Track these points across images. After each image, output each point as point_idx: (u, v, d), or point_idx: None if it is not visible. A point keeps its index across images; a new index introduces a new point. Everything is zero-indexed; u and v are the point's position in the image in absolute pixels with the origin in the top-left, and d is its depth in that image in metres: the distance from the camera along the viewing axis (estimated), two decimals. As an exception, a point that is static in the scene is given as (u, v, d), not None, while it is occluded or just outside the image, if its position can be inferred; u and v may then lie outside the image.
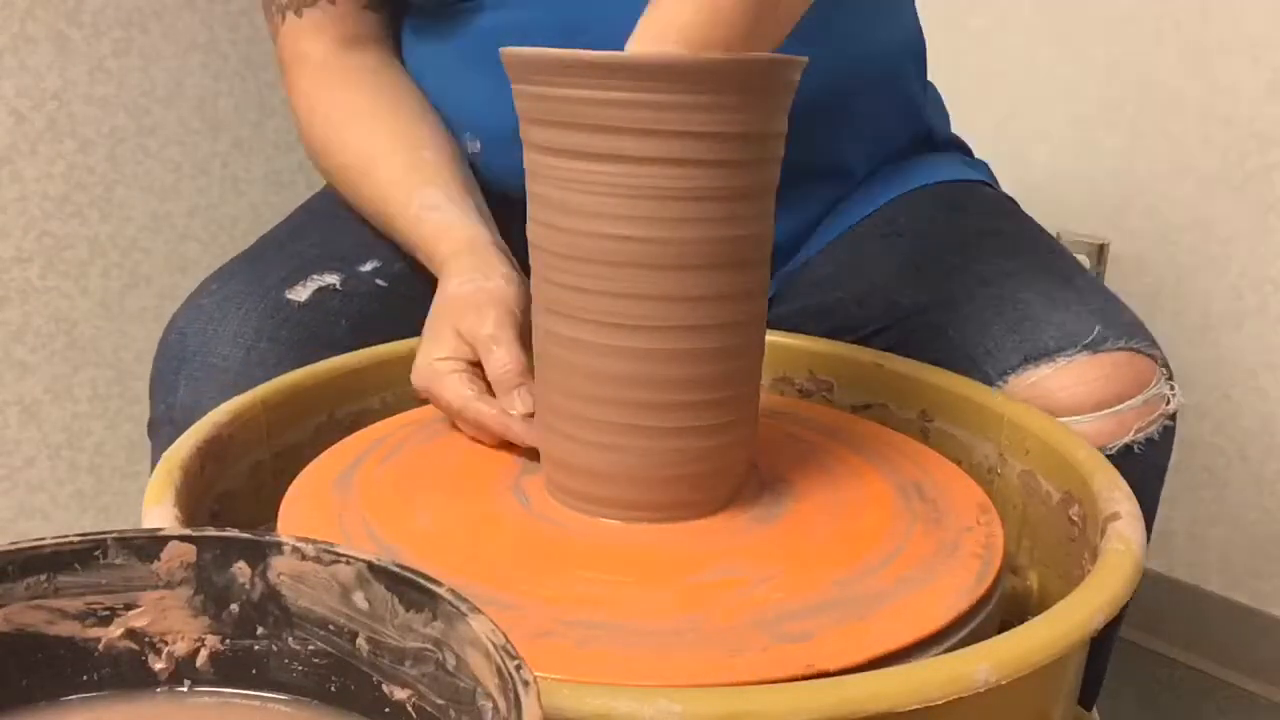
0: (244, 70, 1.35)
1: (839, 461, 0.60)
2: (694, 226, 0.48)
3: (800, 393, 0.74)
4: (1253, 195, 1.24)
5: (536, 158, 0.50)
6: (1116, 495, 0.52)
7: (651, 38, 0.50)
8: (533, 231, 0.52)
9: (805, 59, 0.49)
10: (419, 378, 0.62)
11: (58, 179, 1.24)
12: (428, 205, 0.71)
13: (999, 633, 0.43)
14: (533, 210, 0.52)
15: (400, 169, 0.74)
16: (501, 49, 0.50)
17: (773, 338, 0.73)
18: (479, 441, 0.61)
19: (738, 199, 0.49)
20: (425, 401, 0.71)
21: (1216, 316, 1.29)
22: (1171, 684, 1.32)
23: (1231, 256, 1.26)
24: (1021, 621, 0.42)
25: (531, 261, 0.52)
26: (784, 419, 0.66)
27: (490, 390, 0.60)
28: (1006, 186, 0.90)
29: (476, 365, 0.61)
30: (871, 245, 0.78)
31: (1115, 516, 0.50)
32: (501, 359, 0.59)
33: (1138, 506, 0.51)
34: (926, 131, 0.89)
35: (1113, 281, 1.33)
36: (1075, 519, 0.56)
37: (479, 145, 0.79)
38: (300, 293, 0.71)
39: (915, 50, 0.89)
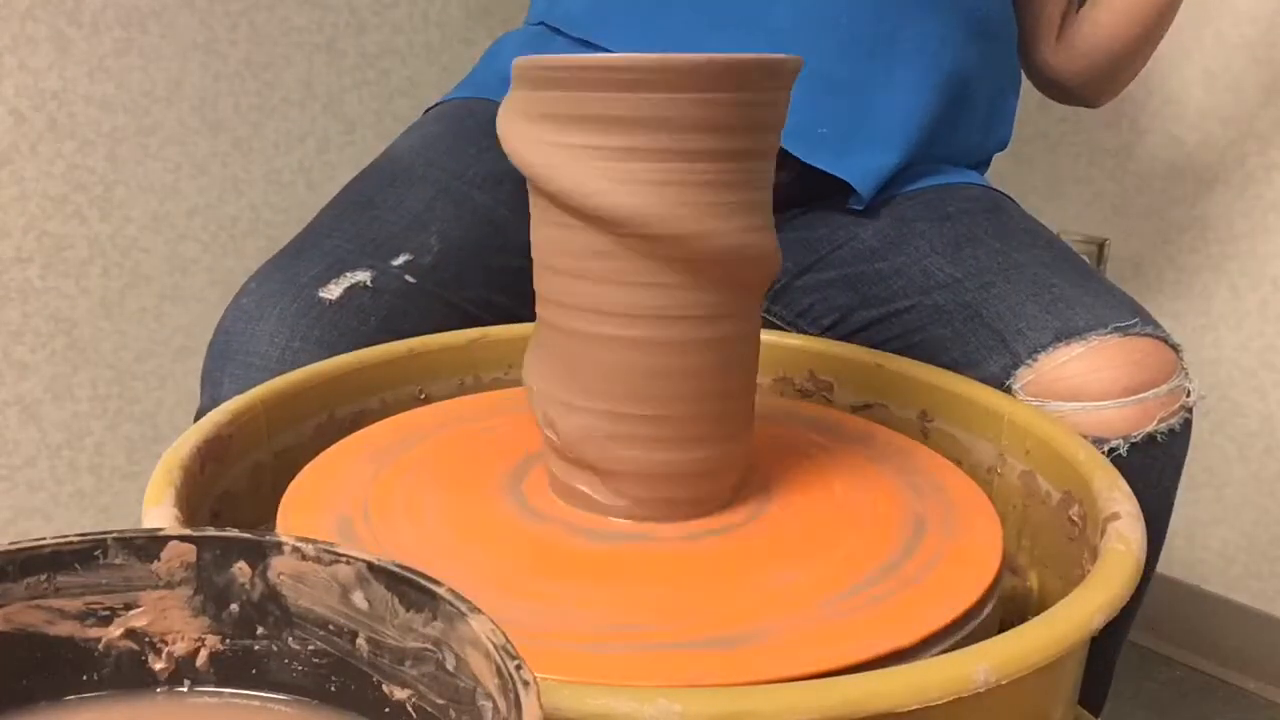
0: (244, 70, 1.35)
1: (839, 461, 0.60)
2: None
3: (800, 393, 0.74)
4: (1253, 195, 1.24)
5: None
6: (1116, 495, 0.52)
7: None
8: (536, 230, 0.53)
9: (782, 57, 0.49)
10: None
11: (58, 179, 1.24)
12: None
13: (999, 633, 0.43)
14: (535, 207, 0.52)
15: None
16: (515, 61, 0.50)
17: (773, 338, 0.73)
18: None
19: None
20: (425, 401, 0.71)
21: (1216, 316, 1.28)
22: (1171, 684, 1.32)
23: (1231, 256, 1.26)
24: (1021, 621, 0.42)
25: (534, 252, 0.53)
26: (784, 419, 0.66)
27: None
28: (1006, 186, 0.91)
29: None
30: (919, 225, 0.81)
31: (1115, 516, 0.50)
32: None
33: (1138, 506, 0.51)
34: (991, 148, 0.94)
35: (1112, 281, 1.33)
36: (1075, 519, 0.56)
37: None
38: (332, 290, 0.73)
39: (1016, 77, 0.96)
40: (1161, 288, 1.32)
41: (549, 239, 0.51)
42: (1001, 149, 0.94)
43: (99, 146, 1.26)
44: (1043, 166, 1.39)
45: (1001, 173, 0.97)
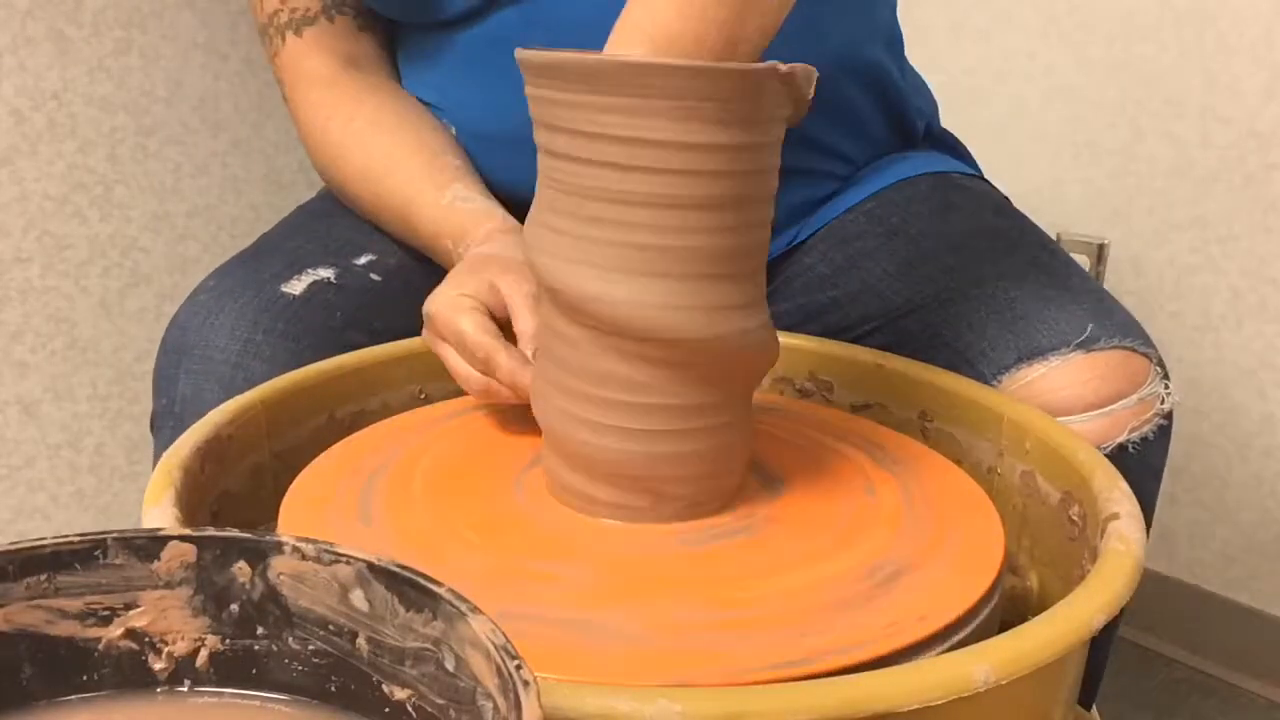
0: (244, 70, 1.35)
1: (838, 462, 0.60)
2: (682, 235, 0.48)
3: (800, 393, 0.74)
4: (1253, 195, 1.24)
5: (541, 160, 0.51)
6: (1116, 495, 0.52)
7: (626, 38, 0.49)
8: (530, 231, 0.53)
9: (791, 67, 0.48)
10: (438, 304, 0.61)
11: (58, 179, 1.24)
12: (462, 197, 0.73)
13: (999, 633, 0.43)
14: (534, 210, 0.52)
15: (428, 167, 0.75)
16: (517, 51, 0.50)
17: (773, 338, 0.73)
18: (477, 393, 0.60)
19: (727, 209, 0.49)
20: (426, 401, 0.71)
21: (1216, 316, 1.29)
22: (1171, 684, 1.32)
23: (1231, 256, 1.26)
24: (1021, 621, 0.42)
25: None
26: (783, 419, 0.66)
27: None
28: (1006, 187, 0.90)
29: (493, 317, 0.61)
30: (866, 244, 0.78)
31: (1115, 516, 0.50)
32: (533, 322, 0.59)
33: (1138, 506, 0.51)
34: (910, 118, 0.88)
35: (1113, 281, 1.33)
36: (1075, 519, 0.56)
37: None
38: (295, 286, 0.71)
39: (889, 37, 0.88)
40: (1161, 288, 1.32)
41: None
42: (932, 111, 0.90)
43: (99, 146, 1.26)
44: (1043, 166, 1.39)
45: (1002, 173, 0.96)
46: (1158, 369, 0.66)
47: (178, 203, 1.33)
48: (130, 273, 1.31)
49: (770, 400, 0.71)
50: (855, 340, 0.74)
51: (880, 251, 0.77)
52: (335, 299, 0.72)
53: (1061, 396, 0.64)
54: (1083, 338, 0.65)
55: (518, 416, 0.64)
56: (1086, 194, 1.36)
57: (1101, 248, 1.26)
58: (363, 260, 0.75)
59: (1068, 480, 0.57)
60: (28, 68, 1.20)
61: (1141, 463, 0.64)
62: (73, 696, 0.35)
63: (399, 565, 0.33)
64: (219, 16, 1.32)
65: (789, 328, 0.75)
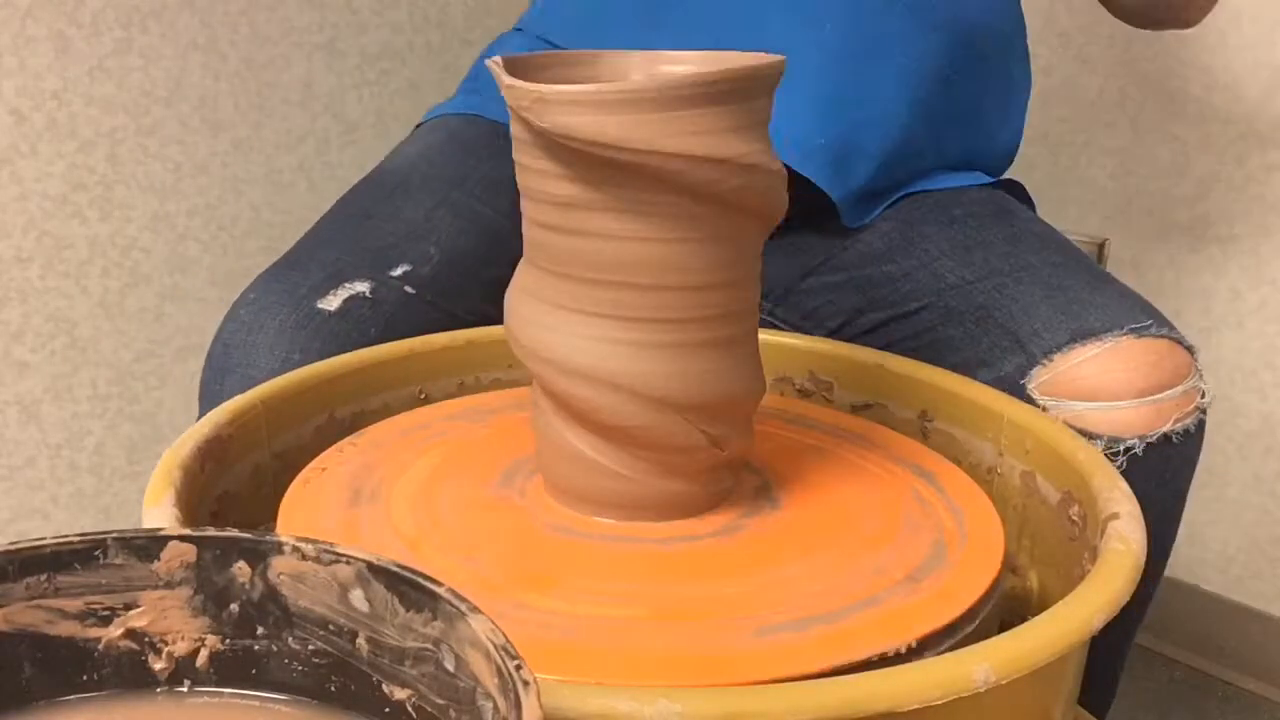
0: (244, 70, 1.35)
1: (838, 461, 0.60)
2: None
3: (800, 393, 0.74)
4: (1253, 195, 1.24)
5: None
6: (1116, 495, 0.52)
7: None
8: (527, 228, 0.52)
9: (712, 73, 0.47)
10: None
11: (58, 179, 1.24)
12: None
13: (999, 633, 0.43)
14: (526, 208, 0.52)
15: None
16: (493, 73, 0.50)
17: (773, 338, 0.73)
18: None
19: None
20: (425, 401, 0.71)
21: (1216, 316, 1.29)
22: (1171, 684, 1.32)
23: (1231, 256, 1.26)
24: (1021, 621, 0.42)
25: (525, 249, 0.53)
26: (783, 419, 0.66)
27: None
28: (1006, 186, 0.91)
29: None
30: (926, 228, 0.80)
31: (1115, 516, 0.50)
32: None
33: (1138, 506, 0.51)
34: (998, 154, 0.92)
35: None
36: (1075, 519, 0.56)
37: None
38: (331, 301, 0.73)
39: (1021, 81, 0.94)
40: (1161, 288, 1.32)
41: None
42: (1011, 153, 0.93)
43: (99, 146, 1.26)
44: (1043, 166, 1.39)
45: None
46: (1197, 365, 0.68)
47: (178, 203, 1.33)
48: (130, 273, 1.31)
49: (770, 400, 0.71)
50: (899, 316, 0.76)
51: (939, 235, 0.79)
52: (369, 314, 0.74)
53: (1113, 378, 0.65)
54: (1136, 324, 0.66)
55: (518, 415, 0.64)
56: (1087, 194, 1.36)
57: (1102, 248, 1.26)
58: (398, 271, 0.76)
59: (1068, 480, 0.57)
60: (28, 68, 1.20)
61: (1181, 455, 0.65)
62: (73, 696, 0.35)
63: (399, 565, 0.33)
64: (219, 16, 1.32)
65: (837, 298, 0.76)
